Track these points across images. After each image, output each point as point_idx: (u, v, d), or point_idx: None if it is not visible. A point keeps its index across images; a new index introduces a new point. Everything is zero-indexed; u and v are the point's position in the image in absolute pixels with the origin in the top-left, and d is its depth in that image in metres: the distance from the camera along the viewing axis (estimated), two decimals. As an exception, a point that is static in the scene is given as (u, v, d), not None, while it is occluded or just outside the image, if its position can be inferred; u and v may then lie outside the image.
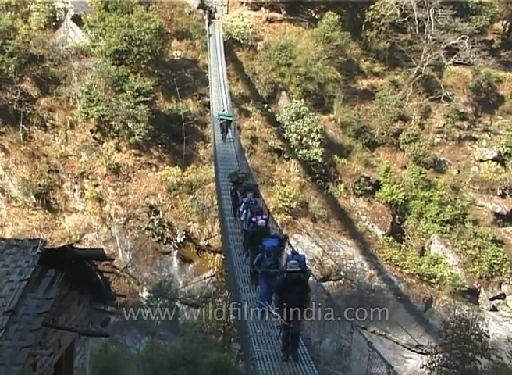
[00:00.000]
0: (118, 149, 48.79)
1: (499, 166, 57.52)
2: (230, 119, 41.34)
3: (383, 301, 46.45)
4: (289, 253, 18.39)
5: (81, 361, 14.09)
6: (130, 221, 46.13)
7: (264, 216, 23.28)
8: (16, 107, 47.35)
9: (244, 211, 24.52)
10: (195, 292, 44.42)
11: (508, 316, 49.07)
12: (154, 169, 48.85)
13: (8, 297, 9.20)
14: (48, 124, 48.66)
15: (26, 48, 49.14)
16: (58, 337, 11.72)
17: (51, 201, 46.20)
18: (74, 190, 47.03)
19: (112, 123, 48.69)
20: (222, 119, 41.13)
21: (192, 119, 51.61)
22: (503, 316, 49.15)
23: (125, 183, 47.77)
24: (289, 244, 22.71)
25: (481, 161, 58.45)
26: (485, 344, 35.12)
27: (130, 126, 48.30)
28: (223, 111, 42.69)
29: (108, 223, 46.05)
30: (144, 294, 43.02)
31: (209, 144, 49.15)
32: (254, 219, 22.85)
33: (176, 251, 46.05)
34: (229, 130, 41.15)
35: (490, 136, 60.43)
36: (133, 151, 48.93)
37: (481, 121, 62.07)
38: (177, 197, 47.56)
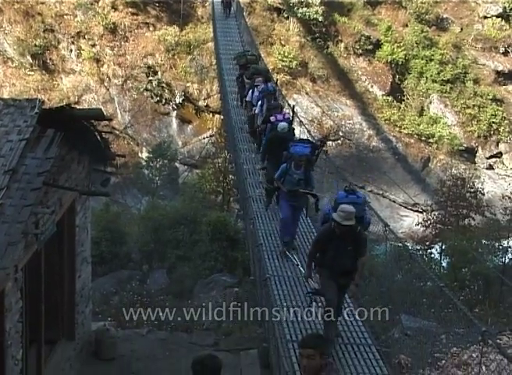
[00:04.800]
0: (114, 8, 47.77)
1: (503, 22, 56.16)
2: None
3: (381, 161, 46.93)
4: (341, 192, 11.87)
5: (83, 219, 14.42)
6: (128, 82, 45.88)
7: (287, 115, 18.02)
8: (5, -38, 46.01)
9: (260, 102, 19.86)
10: (194, 153, 44.81)
11: (504, 173, 49.64)
12: (151, 28, 48.05)
13: (8, 156, 9.28)
14: (40, -19, 47.39)
15: None
16: (59, 197, 11.95)
17: (48, 61, 45.72)
18: (71, 50, 46.41)
19: (107, -20, 47.49)
20: None
21: (189, -24, 50.28)
22: (499, 174, 49.70)
23: (122, 43, 47.10)
24: (325, 151, 17.00)
25: (485, 17, 57.04)
26: (480, 202, 35.83)
27: (126, -18, 47.15)
28: None
29: (106, 84, 45.82)
30: (144, 155, 43.45)
31: (207, 3, 48.10)
32: (272, 118, 17.53)
33: (175, 111, 46.06)
34: (232, 2, 39.31)
35: (496, -10, 58.81)
36: (130, 9, 47.91)
37: (487, -26, 60.22)
38: (175, 57, 47.04)
